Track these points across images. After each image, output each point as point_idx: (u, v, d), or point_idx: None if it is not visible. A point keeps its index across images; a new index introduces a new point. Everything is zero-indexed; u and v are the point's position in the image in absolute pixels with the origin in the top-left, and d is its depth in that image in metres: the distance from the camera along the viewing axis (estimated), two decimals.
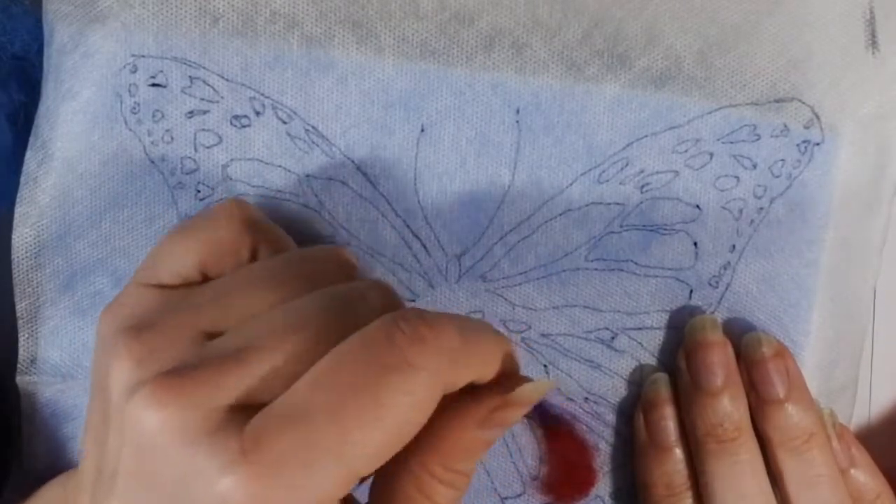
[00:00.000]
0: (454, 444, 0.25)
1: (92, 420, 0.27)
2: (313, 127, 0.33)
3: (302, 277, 0.27)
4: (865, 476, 0.36)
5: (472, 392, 0.26)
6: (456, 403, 0.25)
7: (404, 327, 0.24)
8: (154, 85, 0.32)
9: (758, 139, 0.34)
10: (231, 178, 0.33)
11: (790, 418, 0.34)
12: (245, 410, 0.24)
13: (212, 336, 0.26)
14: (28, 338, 0.34)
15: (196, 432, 0.23)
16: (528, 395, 0.26)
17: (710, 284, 0.35)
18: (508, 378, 0.26)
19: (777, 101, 0.34)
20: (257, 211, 0.31)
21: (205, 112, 0.33)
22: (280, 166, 0.33)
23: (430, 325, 0.24)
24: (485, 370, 0.26)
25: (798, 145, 0.34)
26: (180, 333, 0.26)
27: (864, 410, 0.39)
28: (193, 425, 0.23)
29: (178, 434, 0.23)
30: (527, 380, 0.26)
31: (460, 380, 0.25)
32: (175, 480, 0.23)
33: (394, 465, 0.24)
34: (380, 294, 0.27)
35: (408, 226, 0.34)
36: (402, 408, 0.23)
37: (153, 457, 0.24)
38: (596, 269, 0.35)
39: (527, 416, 0.36)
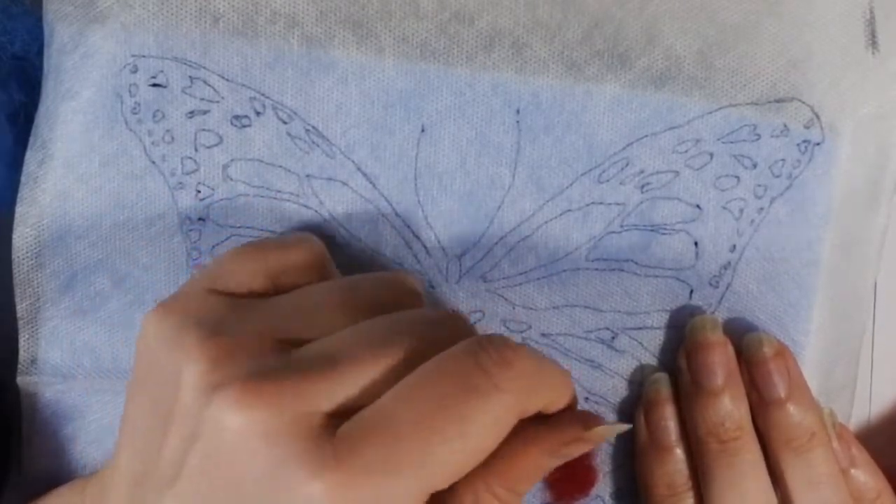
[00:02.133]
0: (521, 468, 0.26)
1: (137, 421, 0.27)
2: (313, 127, 0.33)
3: (379, 297, 0.28)
4: (866, 476, 0.36)
5: (541, 421, 0.27)
6: (526, 430, 0.26)
7: (491, 350, 0.25)
8: (154, 85, 0.32)
9: (758, 139, 0.34)
10: (231, 179, 0.33)
11: (791, 418, 0.34)
12: (333, 418, 0.24)
13: (293, 345, 0.26)
14: (28, 338, 0.34)
15: (285, 436, 0.23)
16: (603, 434, 0.27)
17: (711, 284, 0.35)
18: (571, 410, 0.27)
19: (777, 100, 0.34)
20: (328, 252, 0.31)
21: (205, 112, 0.33)
22: (280, 166, 0.33)
23: (515, 350, 0.25)
24: (555, 400, 0.27)
25: (798, 145, 0.34)
26: (260, 339, 0.26)
27: (864, 410, 0.39)
28: (281, 429, 0.23)
29: (264, 436, 0.23)
30: (595, 418, 0.27)
31: (535, 406, 0.26)
32: (256, 483, 0.23)
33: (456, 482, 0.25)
34: (461, 321, 0.27)
35: (408, 226, 0.34)
36: (485, 428, 0.24)
37: (233, 458, 0.24)
38: (596, 269, 0.35)
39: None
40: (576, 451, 0.27)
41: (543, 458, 0.26)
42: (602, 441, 0.28)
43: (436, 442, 0.23)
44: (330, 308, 0.27)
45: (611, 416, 0.36)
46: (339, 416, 0.24)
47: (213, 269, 0.29)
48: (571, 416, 0.27)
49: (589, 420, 0.27)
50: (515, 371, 0.24)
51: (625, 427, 0.28)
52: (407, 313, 0.27)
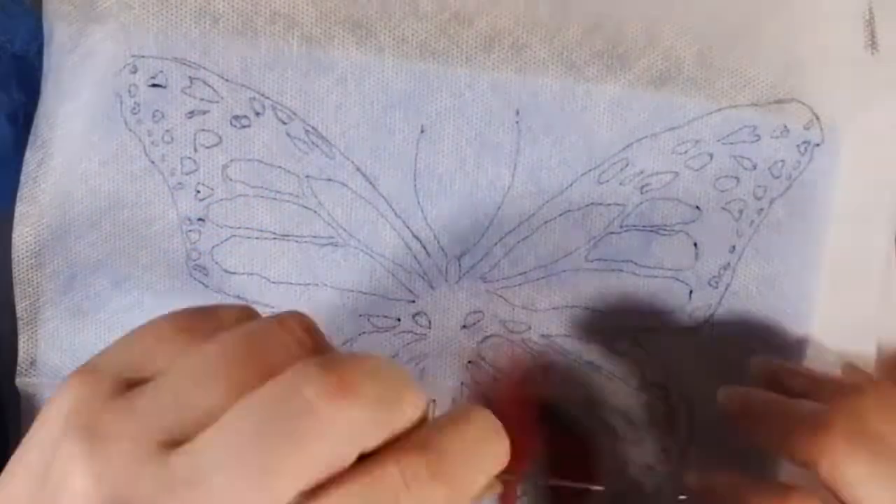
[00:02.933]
0: None
1: (29, 470, 0.25)
2: (313, 128, 0.33)
3: (258, 363, 0.25)
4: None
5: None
6: None
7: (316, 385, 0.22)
8: (154, 85, 0.32)
9: (758, 140, 0.34)
10: (231, 179, 0.33)
11: None
12: None
13: (171, 443, 0.24)
14: (28, 339, 0.34)
15: None
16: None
17: (710, 285, 0.35)
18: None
19: (777, 101, 0.34)
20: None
21: (205, 112, 0.33)
22: (280, 167, 0.33)
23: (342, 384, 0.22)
24: (402, 422, 0.24)
25: (798, 146, 0.34)
26: (136, 447, 0.24)
27: None
28: None
29: None
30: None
31: (376, 439, 0.23)
32: None
33: None
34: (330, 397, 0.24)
35: (408, 227, 0.34)
36: (308, 466, 0.22)
37: None
38: (596, 270, 0.35)
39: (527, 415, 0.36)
40: None
41: None
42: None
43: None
44: (207, 390, 0.25)
45: (610, 416, 0.36)
46: None
47: (130, 348, 0.27)
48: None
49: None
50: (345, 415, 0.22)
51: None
52: (267, 403, 0.23)
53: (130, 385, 0.26)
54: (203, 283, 0.34)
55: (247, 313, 0.28)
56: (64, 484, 0.24)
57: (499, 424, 0.25)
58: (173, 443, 0.24)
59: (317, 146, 0.33)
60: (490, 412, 0.25)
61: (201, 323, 0.27)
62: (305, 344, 0.26)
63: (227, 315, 0.28)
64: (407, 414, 0.24)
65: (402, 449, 0.23)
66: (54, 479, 0.24)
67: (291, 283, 0.34)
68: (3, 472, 0.26)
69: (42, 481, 0.25)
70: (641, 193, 0.34)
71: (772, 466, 0.37)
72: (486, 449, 0.25)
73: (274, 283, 0.34)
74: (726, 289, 0.35)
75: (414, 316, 0.35)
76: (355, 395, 0.22)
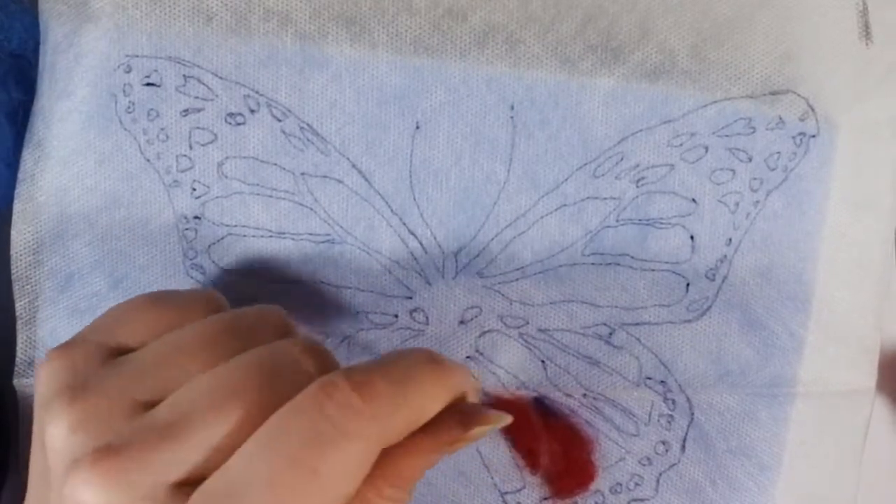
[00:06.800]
0: (407, 470, 0.26)
1: (35, 469, 0.27)
2: (308, 125, 0.33)
3: (235, 338, 0.27)
4: None
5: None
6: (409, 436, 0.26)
7: (337, 396, 0.24)
8: (148, 84, 0.32)
9: (753, 132, 0.34)
10: (226, 176, 0.33)
11: None
12: (184, 486, 0.24)
13: (149, 405, 0.26)
14: (26, 340, 0.34)
15: None
16: (483, 433, 0.27)
17: (707, 277, 0.35)
18: (455, 407, 0.27)
19: (772, 93, 0.34)
20: (228, 305, 0.31)
21: (199, 110, 0.33)
22: (275, 164, 0.33)
23: (361, 391, 0.24)
24: (425, 413, 0.26)
25: (794, 137, 0.34)
26: (116, 402, 0.25)
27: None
28: None
29: None
30: (475, 415, 0.27)
31: (399, 433, 0.25)
32: None
33: None
34: (312, 357, 0.26)
35: (404, 223, 0.34)
36: (339, 476, 0.24)
37: None
38: (592, 264, 0.35)
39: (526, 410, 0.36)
40: (461, 447, 0.27)
41: (427, 459, 0.26)
42: (484, 436, 0.27)
43: (289, 500, 0.23)
44: (186, 355, 0.27)
45: (609, 411, 0.36)
46: (191, 483, 0.24)
47: (110, 319, 0.29)
48: (452, 417, 0.26)
49: (469, 419, 0.26)
50: (365, 414, 0.24)
51: (505, 420, 0.27)
52: (256, 355, 0.26)
53: (116, 352, 0.28)
54: (200, 283, 0.34)
55: (216, 298, 0.30)
56: (48, 439, 0.26)
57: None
58: (151, 403, 0.26)
59: (312, 143, 0.33)
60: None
61: (180, 300, 0.30)
62: (281, 330, 0.28)
63: (200, 295, 0.30)
64: (426, 401, 0.26)
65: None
66: (44, 440, 0.26)
67: (288, 281, 0.34)
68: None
69: (41, 448, 0.26)
70: (637, 187, 0.34)
71: (769, 458, 0.37)
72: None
73: (270, 281, 0.34)
74: (723, 281, 0.35)
75: (411, 312, 0.35)
76: (368, 407, 0.24)
